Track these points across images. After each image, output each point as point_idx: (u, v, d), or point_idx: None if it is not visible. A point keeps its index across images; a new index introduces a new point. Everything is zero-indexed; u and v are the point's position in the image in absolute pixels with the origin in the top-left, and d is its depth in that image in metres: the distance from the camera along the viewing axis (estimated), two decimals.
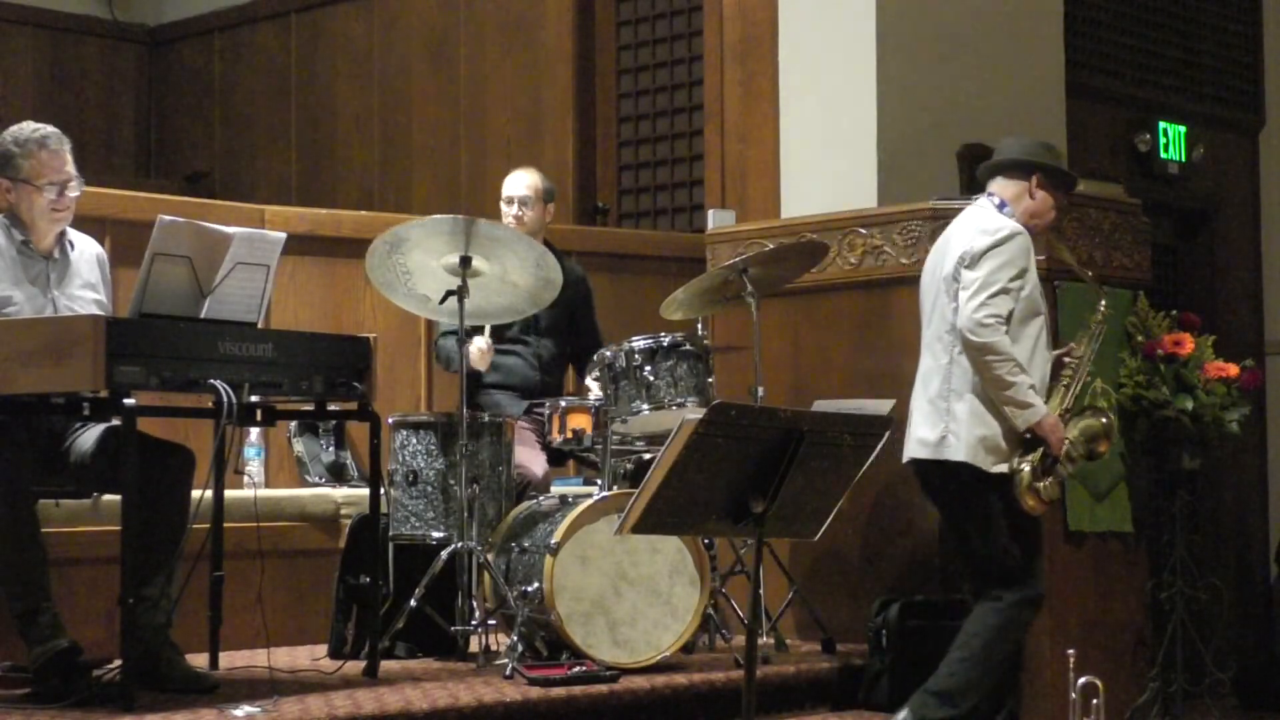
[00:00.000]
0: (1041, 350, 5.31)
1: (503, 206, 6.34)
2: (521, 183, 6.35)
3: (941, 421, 5.26)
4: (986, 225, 5.29)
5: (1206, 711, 6.52)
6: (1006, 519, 5.25)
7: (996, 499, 5.25)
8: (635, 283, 7.53)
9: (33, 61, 10.47)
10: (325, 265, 6.99)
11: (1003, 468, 5.23)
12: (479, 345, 6.03)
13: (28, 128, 5.05)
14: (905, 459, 5.39)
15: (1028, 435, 5.24)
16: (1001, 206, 5.38)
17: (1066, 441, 5.26)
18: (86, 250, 5.22)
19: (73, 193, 5.05)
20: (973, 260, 5.23)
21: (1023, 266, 5.24)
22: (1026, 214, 5.37)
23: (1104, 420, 5.40)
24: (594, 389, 5.94)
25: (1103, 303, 5.55)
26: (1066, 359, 5.48)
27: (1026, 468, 5.22)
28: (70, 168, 5.04)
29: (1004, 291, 5.19)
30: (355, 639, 5.60)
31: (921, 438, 5.32)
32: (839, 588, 6.32)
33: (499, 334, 6.20)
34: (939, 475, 5.33)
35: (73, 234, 5.18)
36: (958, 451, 5.22)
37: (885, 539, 6.27)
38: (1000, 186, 5.43)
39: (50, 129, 5.06)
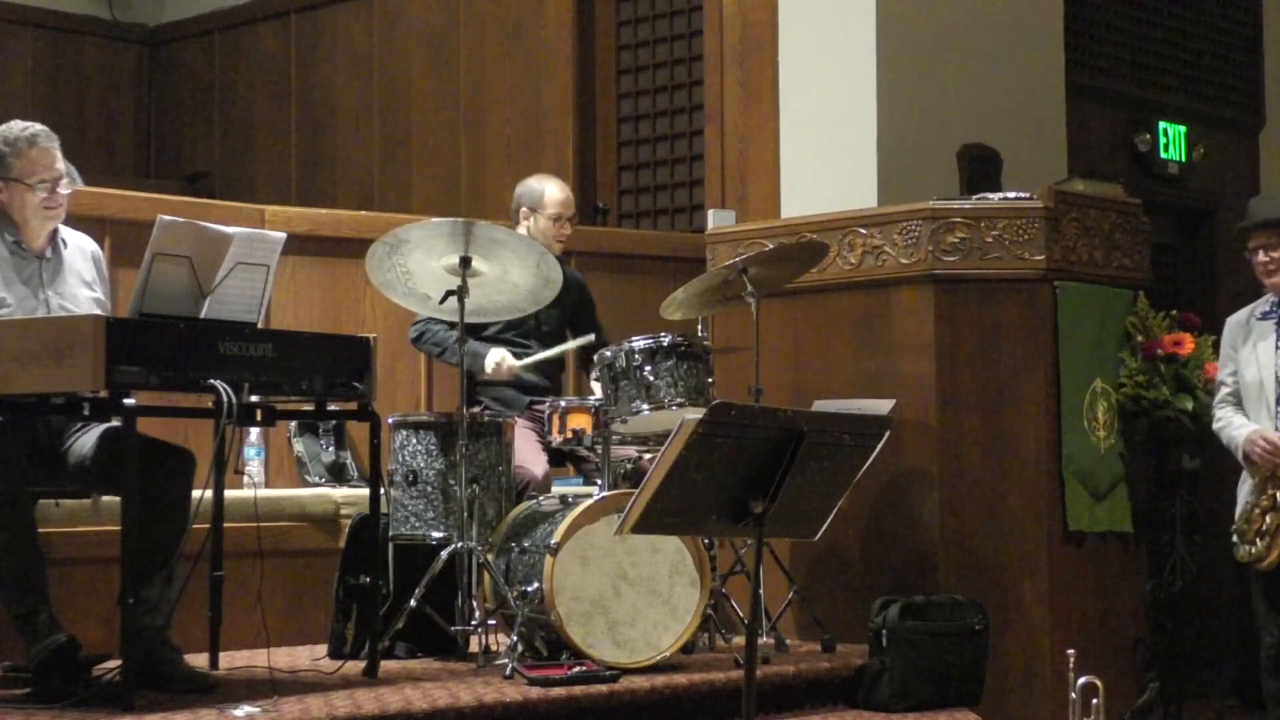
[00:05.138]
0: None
1: (548, 222, 6.32)
2: (570, 198, 6.44)
3: None
4: None
5: (1207, 712, 6.52)
6: None
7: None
8: (635, 283, 7.53)
9: (33, 61, 10.47)
10: (325, 265, 6.99)
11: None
12: (508, 363, 6.09)
13: (16, 126, 5.02)
14: None
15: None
16: None
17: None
18: (82, 247, 5.19)
19: (64, 190, 5.03)
20: None
21: (1225, 356, 5.70)
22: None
23: None
24: (597, 390, 5.95)
25: None
26: None
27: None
28: (61, 165, 5.02)
29: (1219, 384, 5.83)
30: (355, 639, 5.59)
31: None
32: (839, 588, 6.31)
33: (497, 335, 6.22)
34: None
35: (66, 232, 5.15)
36: None
37: (885, 539, 6.27)
38: None
39: (39, 126, 5.03)
